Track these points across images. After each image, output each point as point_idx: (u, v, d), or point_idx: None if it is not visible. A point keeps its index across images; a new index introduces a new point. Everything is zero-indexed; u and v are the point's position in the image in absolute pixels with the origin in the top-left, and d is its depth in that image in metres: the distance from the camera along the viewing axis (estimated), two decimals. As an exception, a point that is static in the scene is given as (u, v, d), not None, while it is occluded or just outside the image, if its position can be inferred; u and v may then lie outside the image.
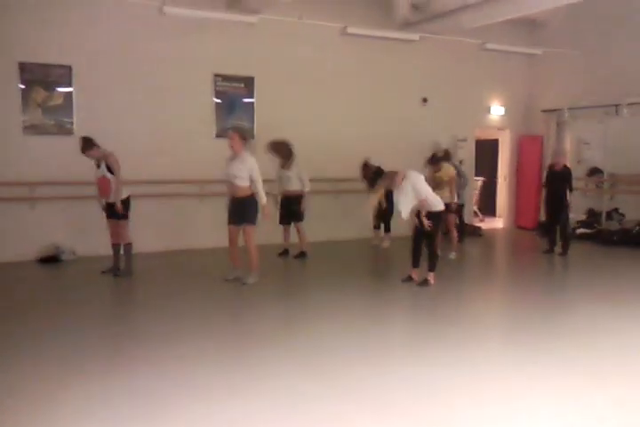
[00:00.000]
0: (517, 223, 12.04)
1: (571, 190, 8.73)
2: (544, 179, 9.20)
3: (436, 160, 8.22)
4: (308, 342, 4.64)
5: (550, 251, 8.87)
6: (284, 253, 8.34)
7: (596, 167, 10.94)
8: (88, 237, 8.07)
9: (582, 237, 10.14)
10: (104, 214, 7.01)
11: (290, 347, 4.52)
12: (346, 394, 3.65)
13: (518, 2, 8.36)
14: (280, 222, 8.26)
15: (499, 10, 8.70)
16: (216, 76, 8.92)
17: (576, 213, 10.89)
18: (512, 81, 11.66)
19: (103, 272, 7.08)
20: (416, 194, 6.30)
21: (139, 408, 3.42)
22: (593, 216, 10.74)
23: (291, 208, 8.12)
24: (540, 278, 7.52)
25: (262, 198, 6.52)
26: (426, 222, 6.46)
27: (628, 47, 9.90)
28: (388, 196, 8.65)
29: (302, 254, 8.27)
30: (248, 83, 9.18)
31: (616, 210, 10.36)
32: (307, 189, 8.06)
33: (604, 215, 10.45)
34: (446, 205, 7.18)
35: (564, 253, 8.70)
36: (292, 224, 8.28)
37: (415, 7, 9.80)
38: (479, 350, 4.53)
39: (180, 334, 4.83)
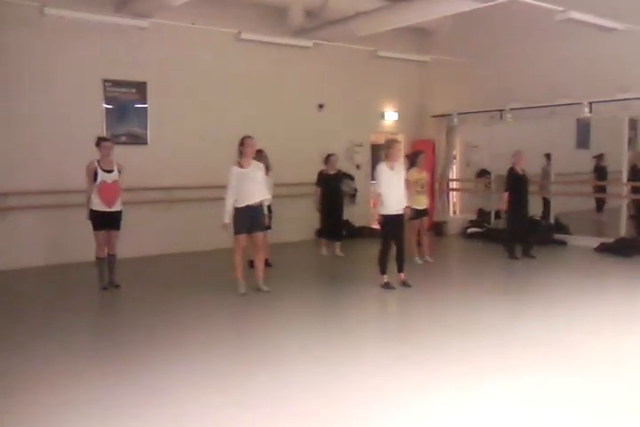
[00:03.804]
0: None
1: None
2: (509, 183, 8.52)
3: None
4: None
5: (513, 256, 8.45)
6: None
7: (484, 169, 11.53)
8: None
9: (473, 236, 10.62)
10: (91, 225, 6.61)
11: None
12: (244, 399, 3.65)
13: (407, 11, 8.66)
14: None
15: (389, 18, 9.01)
16: (106, 81, 8.60)
17: (468, 213, 11.43)
18: (404, 87, 12.05)
19: (104, 288, 6.67)
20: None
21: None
22: (482, 216, 11.29)
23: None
24: (429, 277, 7.78)
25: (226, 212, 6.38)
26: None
27: (512, 55, 10.49)
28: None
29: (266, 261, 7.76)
30: (140, 88, 8.91)
31: (502, 209, 10.91)
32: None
33: (492, 215, 11.01)
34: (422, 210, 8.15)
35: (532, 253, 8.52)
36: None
37: (309, 14, 9.92)
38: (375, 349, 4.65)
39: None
